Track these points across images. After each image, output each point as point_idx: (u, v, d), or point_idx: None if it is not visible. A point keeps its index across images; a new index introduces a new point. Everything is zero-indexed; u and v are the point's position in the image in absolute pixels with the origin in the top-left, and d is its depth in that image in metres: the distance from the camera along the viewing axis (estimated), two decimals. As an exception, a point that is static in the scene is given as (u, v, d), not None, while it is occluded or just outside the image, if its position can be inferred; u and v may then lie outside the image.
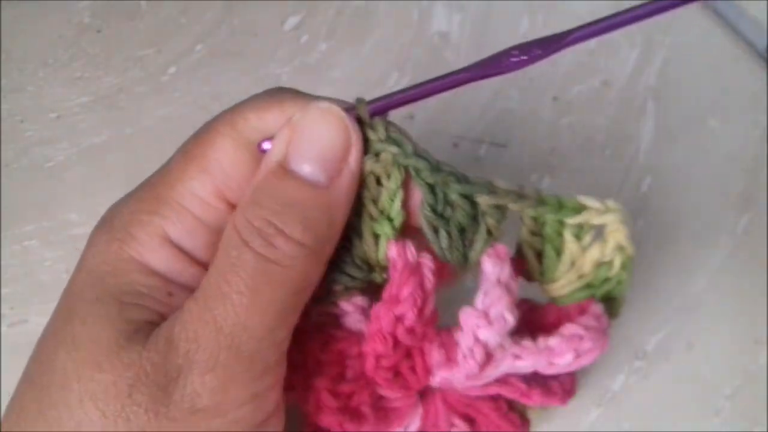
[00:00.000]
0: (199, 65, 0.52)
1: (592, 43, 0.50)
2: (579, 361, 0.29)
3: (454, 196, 0.28)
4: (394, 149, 0.28)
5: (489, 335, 0.28)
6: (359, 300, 0.30)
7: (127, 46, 0.53)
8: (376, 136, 0.28)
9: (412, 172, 0.28)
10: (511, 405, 0.33)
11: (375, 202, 0.29)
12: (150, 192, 0.27)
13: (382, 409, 0.31)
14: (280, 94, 0.28)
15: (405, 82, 0.49)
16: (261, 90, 0.32)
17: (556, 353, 0.28)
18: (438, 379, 0.30)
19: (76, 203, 0.47)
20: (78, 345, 0.25)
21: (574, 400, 0.39)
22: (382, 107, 0.28)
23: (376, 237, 0.29)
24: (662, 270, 0.43)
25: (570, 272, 0.30)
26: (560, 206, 0.29)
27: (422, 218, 0.28)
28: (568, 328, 0.29)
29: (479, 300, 0.28)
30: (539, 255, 0.30)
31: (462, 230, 0.29)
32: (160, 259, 0.27)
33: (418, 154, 0.28)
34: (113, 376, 0.24)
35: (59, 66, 0.52)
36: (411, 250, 0.28)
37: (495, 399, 0.32)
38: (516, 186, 0.29)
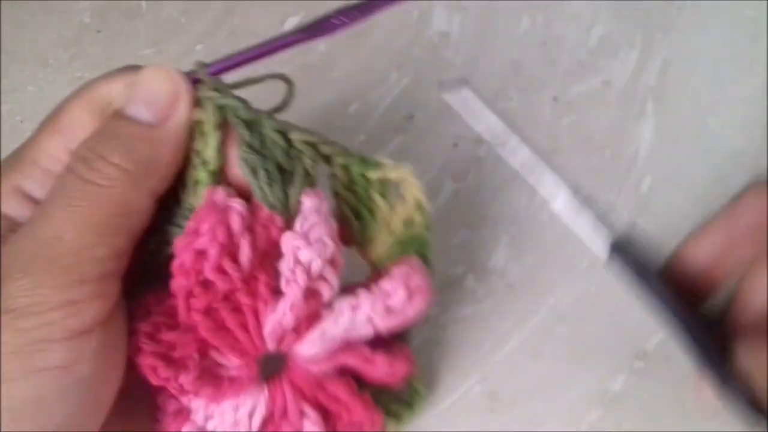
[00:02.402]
0: (199, 65, 0.52)
1: (593, 42, 0.50)
2: (412, 303, 0.31)
3: (269, 132, 0.30)
4: (212, 93, 0.30)
5: (309, 256, 0.29)
6: None
7: (127, 46, 0.53)
8: (205, 91, 0.30)
9: (229, 113, 0.30)
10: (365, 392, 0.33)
11: (198, 151, 0.30)
12: (12, 155, 0.31)
13: (215, 376, 0.30)
14: (130, 68, 0.31)
15: (405, 82, 0.49)
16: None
17: (390, 293, 0.30)
18: (271, 327, 0.30)
19: (76, 203, 0.47)
20: None
21: (574, 400, 0.40)
22: (220, 68, 0.32)
23: (197, 184, 0.30)
24: (662, 270, 0.43)
25: (383, 231, 0.32)
26: (363, 159, 0.32)
27: (240, 158, 0.29)
28: (396, 269, 0.31)
29: (298, 225, 0.30)
30: (356, 215, 0.32)
31: (280, 168, 0.30)
32: (9, 206, 0.30)
33: (235, 96, 0.30)
34: None
35: (59, 66, 0.52)
36: (219, 192, 0.29)
37: (344, 376, 0.32)
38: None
